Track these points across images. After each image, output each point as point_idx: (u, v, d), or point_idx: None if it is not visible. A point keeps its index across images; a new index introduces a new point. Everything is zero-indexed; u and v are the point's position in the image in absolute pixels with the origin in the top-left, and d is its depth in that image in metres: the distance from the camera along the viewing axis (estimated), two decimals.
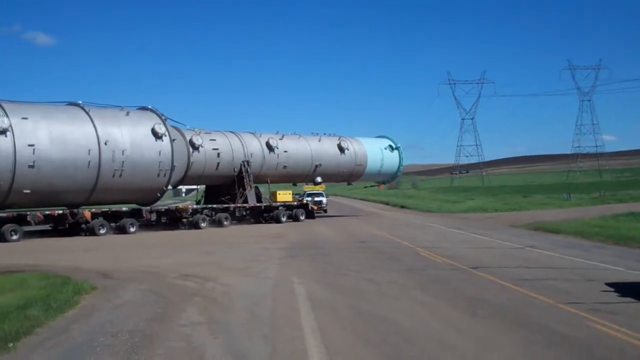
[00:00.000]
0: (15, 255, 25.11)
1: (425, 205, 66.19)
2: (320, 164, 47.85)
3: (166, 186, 37.72)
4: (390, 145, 53.56)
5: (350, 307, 12.95)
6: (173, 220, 38.97)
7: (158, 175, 36.65)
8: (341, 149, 49.58)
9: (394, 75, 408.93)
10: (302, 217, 44.80)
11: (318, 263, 20.64)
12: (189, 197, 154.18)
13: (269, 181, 46.07)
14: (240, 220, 42.22)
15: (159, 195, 38.24)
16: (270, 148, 44.71)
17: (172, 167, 36.91)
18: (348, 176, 52.49)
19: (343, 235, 32.08)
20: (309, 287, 15.49)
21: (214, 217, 40.02)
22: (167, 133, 36.91)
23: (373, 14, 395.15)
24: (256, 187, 44.49)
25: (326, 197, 59.60)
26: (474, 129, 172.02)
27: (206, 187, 46.39)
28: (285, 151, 45.66)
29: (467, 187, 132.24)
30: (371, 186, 67.82)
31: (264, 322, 11.65)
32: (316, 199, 55.13)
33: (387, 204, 77.64)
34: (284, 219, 43.19)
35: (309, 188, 59.29)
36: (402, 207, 68.75)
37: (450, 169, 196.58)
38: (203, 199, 45.97)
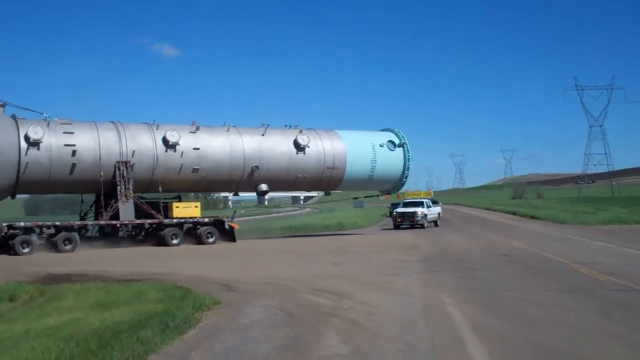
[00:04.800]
0: (115, 263, 24.10)
1: (557, 216, 62.03)
2: (258, 167, 35.64)
3: None
4: (391, 142, 40.63)
5: (525, 339, 10.44)
6: None
7: None
8: (298, 146, 37.17)
9: (513, 81, 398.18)
10: (211, 239, 33.32)
11: (464, 280, 18.11)
12: (308, 204, 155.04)
13: (160, 189, 33.14)
14: (101, 240, 31.22)
15: None
16: (168, 145, 33.19)
17: None
18: (316, 183, 39.79)
19: (480, 248, 29.36)
20: (465, 310, 13.02)
21: (54, 239, 29.66)
22: None
23: (490, 23, 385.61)
24: (139, 197, 33.30)
25: (429, 206, 48.81)
26: (603, 136, 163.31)
27: (96, 197, 33.25)
28: (196, 148, 33.97)
29: (595, 197, 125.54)
30: (375, 196, 49.95)
31: (425, 357, 9.37)
32: (418, 209, 46.47)
33: (514, 213, 73.74)
34: (174, 241, 31.88)
35: (411, 195, 55.46)
36: (532, 217, 64.78)
37: (576, 179, 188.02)
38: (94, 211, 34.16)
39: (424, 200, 49.75)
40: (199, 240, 32.81)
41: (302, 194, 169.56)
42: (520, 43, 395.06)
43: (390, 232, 42.66)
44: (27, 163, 29.56)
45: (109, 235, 31.26)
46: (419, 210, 46.73)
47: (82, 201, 33.94)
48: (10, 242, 28.39)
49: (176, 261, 24.90)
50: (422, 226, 45.80)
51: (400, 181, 41.57)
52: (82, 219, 32.92)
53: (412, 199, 51.88)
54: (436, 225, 49.07)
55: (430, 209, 48.55)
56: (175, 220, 32.62)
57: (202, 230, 33.21)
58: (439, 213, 51.77)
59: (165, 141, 33.01)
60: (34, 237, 28.91)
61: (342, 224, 53.83)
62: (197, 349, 9.89)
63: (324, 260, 24.14)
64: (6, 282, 18.25)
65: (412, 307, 13.48)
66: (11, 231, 28.64)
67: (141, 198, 33.32)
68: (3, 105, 30.43)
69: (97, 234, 31.42)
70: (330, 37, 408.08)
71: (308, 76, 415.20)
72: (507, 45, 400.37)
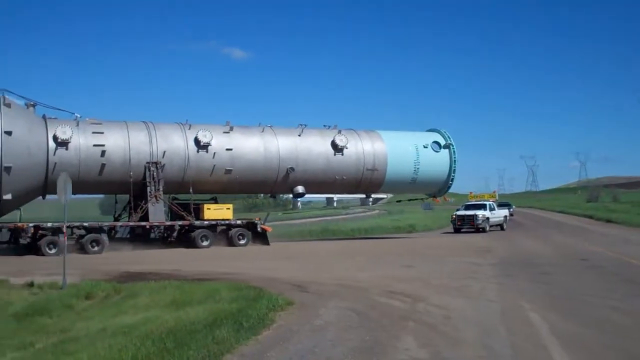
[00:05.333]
0: (191, 263, 24.18)
1: (635, 220, 60.05)
2: (293, 168, 34.42)
3: (0, 195, 27.77)
4: (436, 142, 38.68)
5: (611, 347, 10.01)
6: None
7: None
8: (336, 147, 35.77)
9: (588, 82, 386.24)
10: (243, 241, 32.44)
11: (543, 284, 17.55)
12: (376, 206, 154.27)
13: (191, 190, 32.33)
14: (133, 242, 30.85)
15: None
16: (199, 145, 32.50)
17: (3, 169, 27.35)
18: (355, 185, 37.92)
19: (557, 251, 28.54)
20: (546, 315, 12.57)
21: (81, 241, 29.39)
22: None
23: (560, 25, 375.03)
24: (173, 198, 33.37)
25: (493, 209, 46.86)
26: None
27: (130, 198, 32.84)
28: (229, 149, 33.04)
29: None
30: (420, 199, 47.33)
31: None
32: (480, 212, 44.75)
33: (590, 217, 71.74)
34: (204, 243, 31.39)
35: (475, 197, 53.79)
36: (609, 221, 62.88)
37: None
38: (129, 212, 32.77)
39: (487, 203, 47.74)
40: (230, 242, 32.16)
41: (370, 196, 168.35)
42: (595, 43, 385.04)
43: (460, 235, 41.89)
44: (55, 163, 29.16)
45: (140, 237, 31.09)
46: (480, 213, 45.01)
47: (115, 202, 33.85)
48: (37, 243, 28.40)
49: (245, 261, 24.95)
50: (484, 230, 44.18)
51: (446, 184, 39.51)
52: (116, 219, 32.58)
53: (475, 201, 49.93)
54: (502, 228, 47.29)
55: (493, 212, 46.82)
56: (206, 222, 31.96)
57: (233, 232, 32.44)
58: (505, 216, 49.70)
59: (197, 141, 32.34)
60: (61, 238, 28.66)
61: (412, 226, 53.31)
62: (272, 350, 9.78)
63: (396, 263, 23.82)
64: (82, 280, 18.53)
65: (490, 312, 13.11)
66: (40, 232, 28.55)
67: (175, 199, 33.22)
68: (34, 105, 30.44)
69: (128, 236, 31.15)
70: (398, 39, 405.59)
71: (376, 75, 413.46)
72: (581, 45, 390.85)
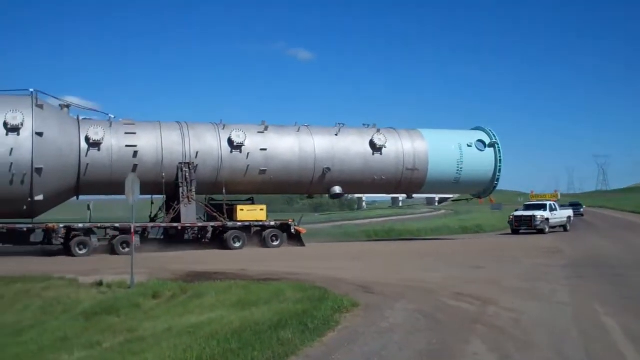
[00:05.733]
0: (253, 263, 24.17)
1: None
2: (329, 168, 33.44)
3: (31, 196, 27.28)
4: (480, 141, 37.15)
5: None
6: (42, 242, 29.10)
7: (11, 182, 27.00)
8: (374, 147, 34.62)
9: None
10: (276, 243, 31.80)
11: (616, 287, 16.95)
12: (442, 205, 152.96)
13: (224, 191, 31.87)
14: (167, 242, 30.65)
15: (25, 207, 27.85)
16: (233, 145, 31.76)
17: (34, 171, 26.98)
18: (395, 185, 36.78)
19: (631, 253, 27.70)
20: (621, 319, 12.08)
21: (113, 242, 29.11)
22: (23, 123, 27.02)
23: None
24: (210, 199, 32.99)
25: (553, 210, 45.11)
26: None
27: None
28: (264, 149, 32.32)
29: None
30: (466, 199, 45.53)
31: None
32: (538, 213, 43.45)
33: None
34: (236, 244, 30.87)
35: (536, 197, 51.95)
36: None
37: None
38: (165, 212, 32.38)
39: (548, 203, 45.86)
40: (264, 244, 31.55)
41: (436, 196, 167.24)
42: None
43: (528, 236, 40.90)
44: (87, 164, 29.14)
45: (174, 238, 30.87)
46: (539, 213, 43.61)
47: (152, 202, 33.14)
48: (69, 243, 28.48)
49: (311, 261, 24.83)
50: (542, 231, 42.80)
51: (491, 184, 37.85)
52: (152, 220, 32.08)
53: (537, 201, 48.03)
54: (565, 230, 45.70)
55: (554, 212, 45.07)
56: (239, 224, 31.46)
57: (266, 233, 31.79)
58: (569, 217, 47.75)
59: (230, 142, 31.69)
60: (94, 239, 28.74)
61: (480, 227, 52.55)
62: (337, 352, 9.63)
63: (463, 264, 23.42)
64: (150, 279, 18.71)
65: (561, 315, 12.69)
66: (73, 232, 28.60)
67: (212, 200, 32.89)
68: (67, 106, 30.48)
69: (162, 237, 31.05)
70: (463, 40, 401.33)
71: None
72: None
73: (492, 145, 37.10)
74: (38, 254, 28.00)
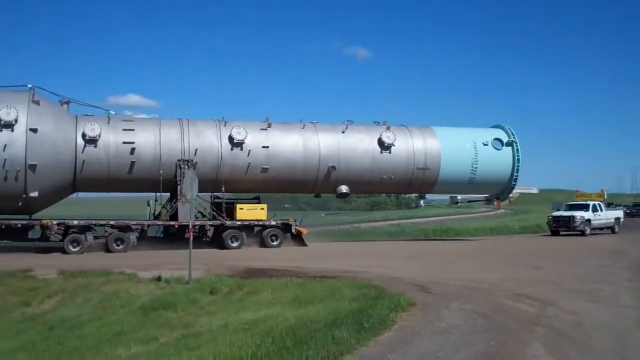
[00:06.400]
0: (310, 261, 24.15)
1: None
2: (335, 167, 32.40)
3: (26, 193, 27.18)
4: (498, 140, 35.49)
5: None
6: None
7: (5, 178, 26.85)
8: (382, 145, 33.38)
9: None
10: (276, 243, 30.94)
11: None
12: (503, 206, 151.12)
13: (223, 189, 31.13)
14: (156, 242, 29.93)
15: (21, 204, 27.68)
16: (233, 143, 31.00)
17: (28, 167, 26.86)
18: (406, 185, 35.38)
19: None
20: None
21: (108, 239, 28.79)
22: (17, 119, 26.89)
23: None
24: (215, 198, 32.28)
25: (597, 210, 42.73)
26: None
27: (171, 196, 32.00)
28: (266, 147, 31.46)
29: None
30: (480, 201, 45.02)
31: None
32: (578, 213, 41.53)
33: None
34: (234, 244, 30.17)
35: (581, 197, 49.53)
36: None
37: None
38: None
39: (592, 203, 43.07)
40: (263, 243, 30.86)
41: (459, 196, 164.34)
42: None
43: (589, 237, 39.92)
44: (84, 161, 28.74)
45: (174, 237, 30.07)
46: (579, 214, 41.63)
47: (156, 200, 32.07)
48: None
49: (368, 260, 24.76)
50: (583, 233, 40.98)
51: (509, 184, 36.17)
52: (156, 218, 31.28)
53: (582, 201, 45.31)
54: (613, 232, 43.30)
55: (598, 213, 42.62)
56: (239, 223, 30.73)
57: (266, 233, 31.05)
58: (617, 218, 45.03)
59: (231, 139, 30.91)
60: (89, 237, 28.52)
61: (540, 227, 51.62)
62: (393, 353, 9.51)
63: (522, 264, 23.03)
64: (207, 275, 18.87)
65: (625, 319, 12.35)
66: (71, 230, 28.41)
67: (217, 198, 32.13)
68: (67, 103, 30.25)
69: (162, 235, 30.32)
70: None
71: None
72: None
73: (510, 144, 35.58)
74: (38, 250, 28.05)
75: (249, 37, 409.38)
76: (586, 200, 44.36)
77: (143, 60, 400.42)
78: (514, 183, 36.08)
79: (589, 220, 41.75)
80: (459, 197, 45.09)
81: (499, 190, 37.03)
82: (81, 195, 32.67)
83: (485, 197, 40.06)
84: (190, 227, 20.52)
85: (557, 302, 14.03)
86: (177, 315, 14.31)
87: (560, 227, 42.19)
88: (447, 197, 46.43)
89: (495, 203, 42.72)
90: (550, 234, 43.22)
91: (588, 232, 41.44)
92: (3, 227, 27.71)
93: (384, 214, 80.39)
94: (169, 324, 13.34)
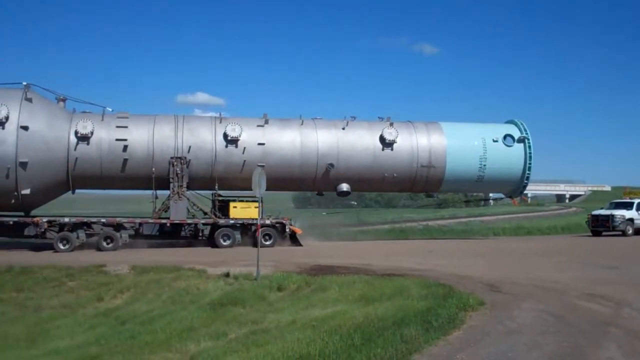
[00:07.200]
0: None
1: None
2: (333, 165, 31.13)
3: (18, 190, 27.10)
4: (509, 136, 33.64)
5: None
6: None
7: None
8: (383, 141, 31.90)
9: None
10: (268, 242, 29.64)
11: None
12: (573, 203, 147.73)
13: (216, 187, 30.47)
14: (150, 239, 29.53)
15: (13, 201, 27.62)
16: (227, 139, 30.19)
17: (19, 165, 26.78)
18: (409, 183, 33.63)
19: None
20: None
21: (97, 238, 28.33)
22: (8, 116, 26.91)
23: None
24: (216, 195, 31.03)
25: None
26: None
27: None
28: (261, 144, 30.60)
29: None
30: (495, 199, 42.93)
31: None
32: (618, 212, 38.81)
33: None
34: (225, 242, 29.29)
35: (629, 194, 46.01)
36: None
37: None
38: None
39: (637, 201, 40.01)
40: (255, 243, 28.28)
41: (567, 192, 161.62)
42: None
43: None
44: (76, 158, 28.42)
45: (170, 235, 29.58)
46: (618, 213, 38.80)
47: (156, 197, 30.78)
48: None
49: (435, 258, 24.50)
50: (623, 233, 38.08)
51: (520, 182, 34.23)
52: (160, 217, 30.26)
53: (629, 199, 41.85)
54: None
55: None
56: (232, 221, 29.84)
57: (263, 231, 29.22)
58: None
59: (225, 136, 30.16)
60: (81, 234, 28.00)
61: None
62: (462, 352, 9.39)
63: (595, 263, 22.49)
64: (275, 272, 18.98)
65: None
66: (64, 226, 28.09)
67: (219, 195, 31.11)
68: (64, 100, 29.92)
69: (157, 233, 29.66)
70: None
71: None
72: None
73: (521, 140, 33.65)
74: (33, 247, 28.13)
75: (314, 36, 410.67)
76: (634, 198, 41.39)
77: (211, 58, 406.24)
78: (526, 181, 34.29)
79: (631, 220, 38.90)
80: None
81: (510, 188, 35.32)
82: (85, 192, 32.56)
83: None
84: (258, 224, 20.63)
85: (631, 303, 13.65)
86: (245, 311, 14.43)
87: (599, 226, 39.65)
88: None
89: (513, 202, 40.40)
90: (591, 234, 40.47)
91: (630, 232, 38.60)
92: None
93: (450, 212, 79.51)
94: (237, 319, 13.46)
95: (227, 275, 18.98)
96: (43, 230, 27.68)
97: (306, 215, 45.35)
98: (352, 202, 55.06)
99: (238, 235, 29.44)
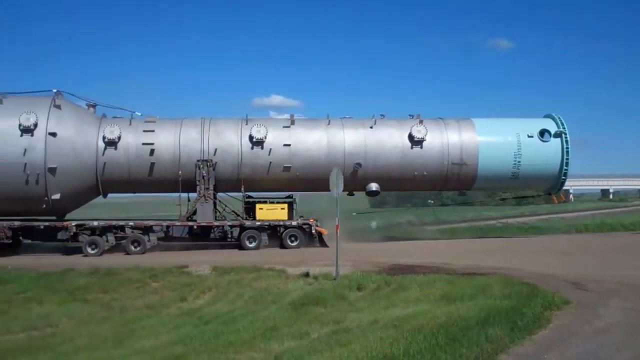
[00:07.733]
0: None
1: None
2: (360, 164, 30.60)
3: (48, 195, 27.49)
4: (546, 131, 32.39)
5: None
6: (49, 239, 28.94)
7: (27, 182, 27.28)
8: (412, 139, 31.18)
9: None
10: (294, 243, 29.42)
11: None
12: None
13: (242, 189, 30.32)
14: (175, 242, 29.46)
15: (44, 206, 27.88)
16: (253, 141, 30.03)
17: (48, 170, 27.27)
18: (441, 181, 32.63)
19: None
20: None
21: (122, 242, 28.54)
22: (36, 123, 27.32)
23: None
24: (247, 197, 30.74)
25: None
26: None
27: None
28: (287, 145, 30.36)
29: None
30: (532, 196, 41.38)
31: None
32: None
33: None
34: (251, 244, 29.09)
35: None
36: None
37: None
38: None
39: None
40: (282, 244, 29.62)
41: (611, 187, 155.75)
42: None
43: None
44: (104, 163, 28.90)
45: (200, 237, 29.63)
46: None
47: (188, 199, 31.14)
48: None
49: (515, 255, 24.12)
50: None
51: (558, 179, 32.82)
52: (188, 219, 30.20)
53: None
54: None
55: None
56: (258, 223, 29.72)
57: (285, 233, 29.72)
58: None
59: (251, 138, 30.01)
60: (110, 238, 28.41)
61: None
62: (549, 352, 9.24)
63: None
64: (354, 271, 19.00)
65: None
66: (94, 230, 28.38)
67: (249, 197, 30.92)
68: (94, 106, 30.28)
69: (187, 235, 29.75)
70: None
71: None
72: None
73: (558, 135, 32.25)
74: (67, 251, 28.34)
75: (381, 33, 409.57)
76: None
77: (286, 61, 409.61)
78: (563, 177, 32.86)
79: None
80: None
81: (548, 185, 34.00)
82: (119, 196, 32.93)
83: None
84: (337, 223, 20.51)
85: None
86: (326, 311, 14.48)
87: None
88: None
89: (552, 199, 38.58)
90: None
91: None
92: (38, 227, 28.23)
93: (531, 209, 77.97)
94: (319, 319, 13.51)
95: (307, 275, 19.12)
96: (73, 234, 28.05)
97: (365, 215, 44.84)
98: (430, 201, 54.15)
99: (265, 237, 29.39)
